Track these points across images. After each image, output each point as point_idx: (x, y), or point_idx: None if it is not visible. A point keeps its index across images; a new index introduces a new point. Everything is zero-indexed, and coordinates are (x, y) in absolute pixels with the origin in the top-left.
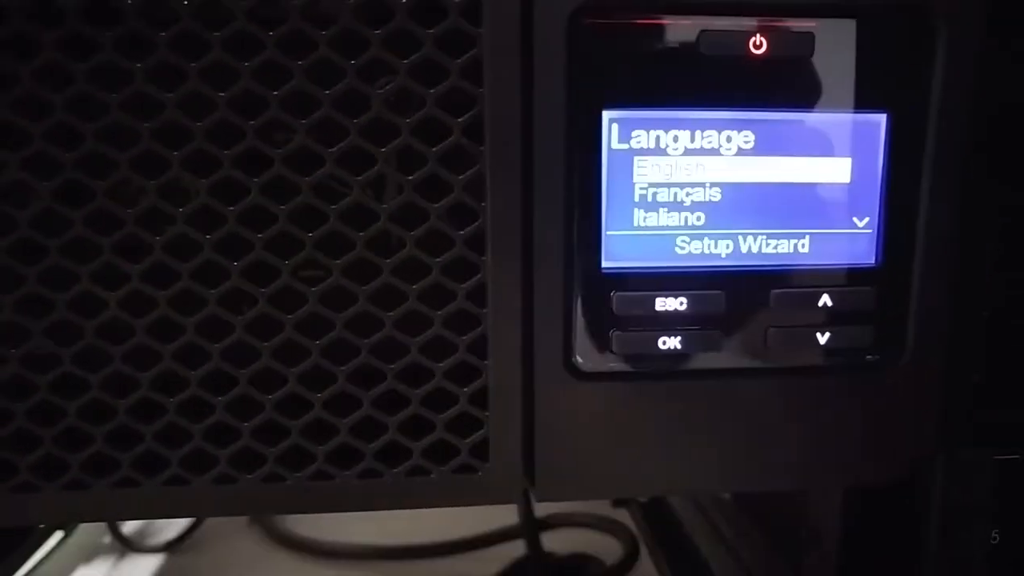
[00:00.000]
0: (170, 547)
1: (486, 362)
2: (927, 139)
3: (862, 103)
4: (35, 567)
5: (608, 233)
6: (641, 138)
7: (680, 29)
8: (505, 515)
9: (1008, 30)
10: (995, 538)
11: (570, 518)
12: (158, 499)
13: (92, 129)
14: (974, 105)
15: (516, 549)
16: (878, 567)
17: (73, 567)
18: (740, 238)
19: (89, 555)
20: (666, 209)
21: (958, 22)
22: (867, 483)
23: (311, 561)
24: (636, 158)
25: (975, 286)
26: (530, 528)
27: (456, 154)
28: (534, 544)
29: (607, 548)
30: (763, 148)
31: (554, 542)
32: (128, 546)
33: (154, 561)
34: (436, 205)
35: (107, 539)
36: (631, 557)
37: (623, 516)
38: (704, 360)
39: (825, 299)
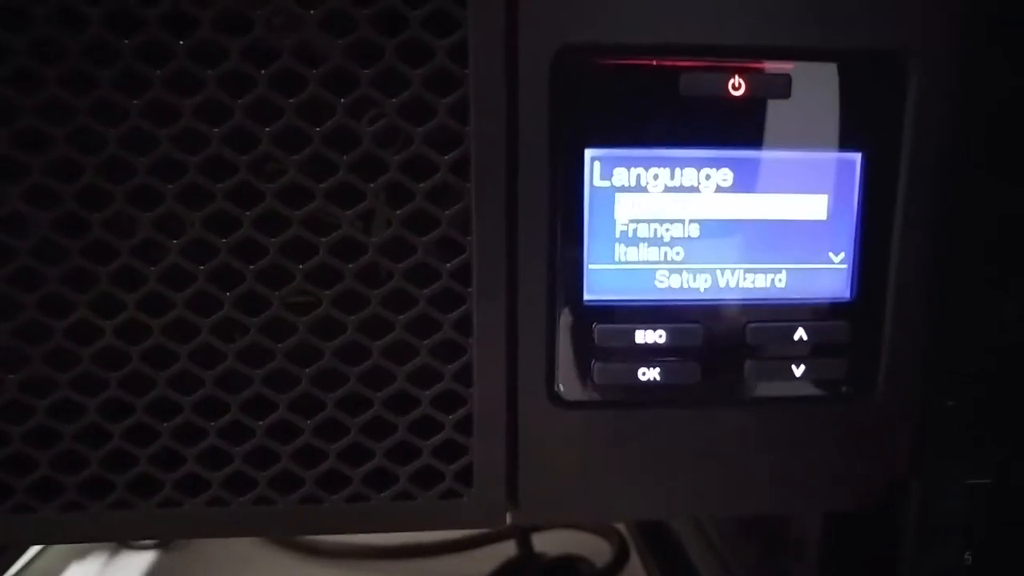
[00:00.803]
0: (162, 544)
1: (471, 390)
2: (900, 177)
3: (838, 142)
4: (28, 564)
5: (590, 267)
6: (622, 175)
7: (660, 71)
8: None
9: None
10: (968, 560)
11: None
12: (152, 521)
13: (91, 163)
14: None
15: (507, 550)
16: None
17: (66, 564)
18: (718, 273)
19: (82, 552)
20: (646, 244)
21: (930, 65)
22: (841, 509)
23: (303, 559)
24: (617, 195)
25: (949, 314)
26: (521, 529)
27: (443, 189)
28: (525, 545)
29: (597, 550)
30: (741, 186)
31: (545, 543)
32: (121, 543)
33: (147, 558)
34: (423, 239)
35: None
36: (621, 559)
37: None
38: (682, 390)
39: (801, 332)
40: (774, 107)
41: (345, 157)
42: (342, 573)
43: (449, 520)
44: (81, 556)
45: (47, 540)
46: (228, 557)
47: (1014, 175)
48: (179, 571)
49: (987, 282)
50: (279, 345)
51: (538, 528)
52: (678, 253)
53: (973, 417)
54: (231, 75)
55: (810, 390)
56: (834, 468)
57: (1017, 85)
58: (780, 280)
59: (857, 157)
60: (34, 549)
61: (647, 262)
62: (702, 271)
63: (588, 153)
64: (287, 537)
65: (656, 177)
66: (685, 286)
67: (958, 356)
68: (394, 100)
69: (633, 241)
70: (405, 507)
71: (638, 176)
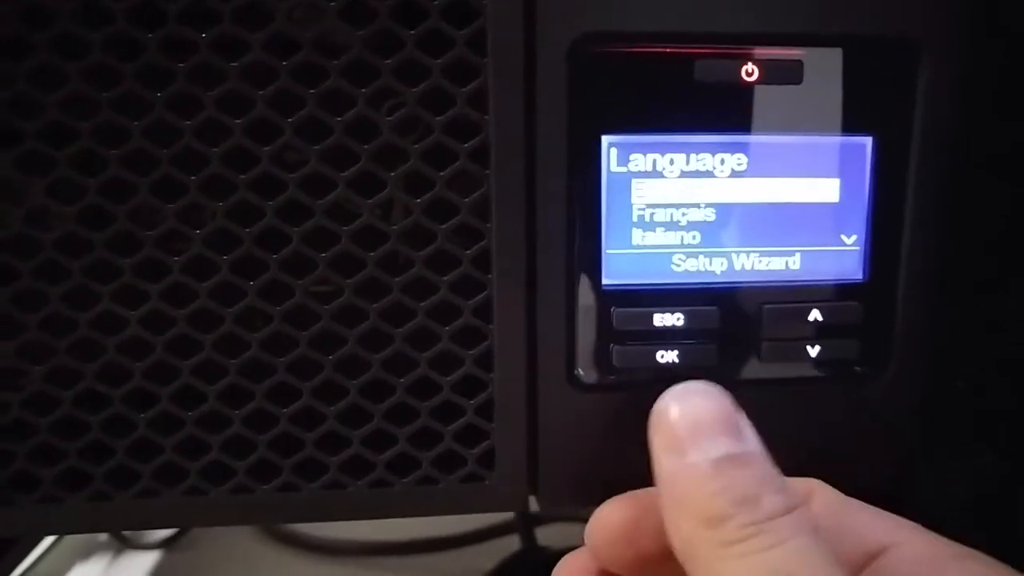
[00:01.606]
0: (167, 544)
1: (492, 375)
2: (911, 160)
3: (849, 126)
4: (32, 565)
5: (608, 252)
6: (639, 161)
7: (675, 58)
8: None
9: None
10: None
11: (564, 513)
12: (178, 509)
13: (115, 156)
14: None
15: (511, 544)
16: None
17: (70, 564)
18: (734, 256)
19: (86, 552)
20: (663, 229)
21: (940, 49)
22: (854, 486)
23: (306, 557)
24: (634, 180)
25: (959, 294)
26: (525, 523)
27: (462, 177)
28: (529, 539)
29: None
30: (755, 170)
31: (548, 537)
32: (125, 543)
33: (151, 558)
34: (443, 226)
35: (104, 536)
36: None
37: None
38: (700, 372)
39: (815, 313)
40: (786, 92)
41: (366, 147)
42: (347, 570)
43: (472, 504)
44: (85, 556)
45: (74, 530)
46: (232, 555)
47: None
48: (183, 570)
49: (997, 264)
50: (303, 333)
51: (541, 521)
52: (694, 237)
53: (982, 397)
54: (253, 67)
55: (824, 370)
56: (845, 447)
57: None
58: (794, 262)
59: (868, 140)
60: (39, 549)
61: (664, 246)
62: (718, 254)
63: (605, 139)
64: (313, 521)
65: (672, 162)
66: (702, 269)
67: (968, 337)
68: (414, 90)
69: (650, 226)
70: (428, 492)
71: (654, 161)
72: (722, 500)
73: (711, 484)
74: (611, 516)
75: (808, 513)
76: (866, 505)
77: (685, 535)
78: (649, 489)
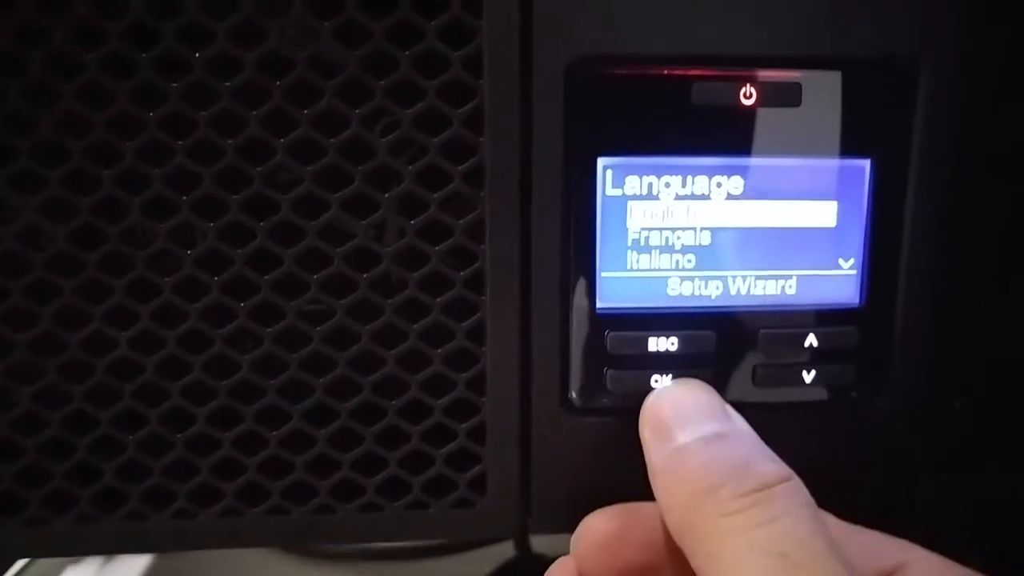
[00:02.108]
0: None
1: (484, 399)
2: (909, 183)
3: (847, 149)
4: (23, 568)
5: (602, 275)
6: (634, 184)
7: (673, 80)
8: None
9: None
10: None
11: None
12: (165, 532)
13: (107, 175)
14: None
15: (506, 551)
16: None
17: (61, 569)
18: (730, 280)
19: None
20: (658, 252)
21: (939, 73)
22: (851, 510)
23: (301, 562)
24: (630, 203)
25: (957, 317)
26: (520, 530)
27: (456, 199)
28: (524, 546)
29: None
30: (752, 193)
31: (543, 544)
32: None
33: (144, 561)
34: (437, 248)
35: None
36: None
37: None
38: None
39: (811, 339)
40: (784, 115)
41: (360, 168)
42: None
43: (462, 529)
44: (76, 560)
45: (62, 554)
46: (226, 559)
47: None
48: (175, 574)
49: (994, 286)
50: (294, 355)
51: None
52: (690, 260)
53: (980, 419)
54: (246, 86)
55: (820, 395)
56: (842, 472)
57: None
58: (791, 287)
59: (866, 164)
60: None
61: (659, 270)
62: (714, 278)
63: (600, 162)
64: (302, 544)
65: (668, 185)
66: (697, 293)
67: (965, 359)
68: (409, 111)
69: (645, 249)
70: (419, 516)
71: (650, 184)
72: (712, 471)
73: (701, 457)
74: (597, 526)
75: (802, 485)
76: (872, 531)
77: (680, 511)
78: (636, 503)
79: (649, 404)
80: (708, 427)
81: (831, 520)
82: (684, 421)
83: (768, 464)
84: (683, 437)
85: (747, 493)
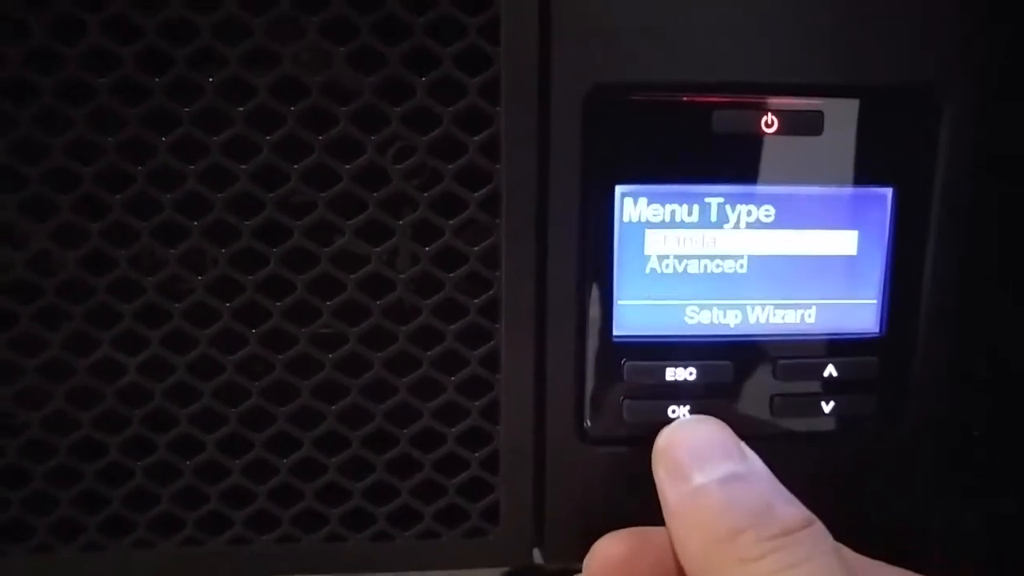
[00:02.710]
0: None
1: (498, 427)
2: (932, 211)
3: (869, 178)
4: None
5: (619, 303)
6: (652, 211)
7: (693, 108)
8: None
9: None
10: None
11: None
12: (173, 560)
13: (118, 200)
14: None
15: None
16: None
17: None
18: (748, 309)
19: None
20: (676, 280)
21: (959, 101)
22: (868, 539)
23: None
24: (647, 230)
25: (975, 345)
26: None
27: (471, 226)
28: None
29: None
30: (771, 221)
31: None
32: None
33: None
34: (451, 275)
35: None
36: None
37: None
38: None
39: (830, 369)
40: (806, 143)
41: (375, 194)
42: None
43: (475, 559)
44: None
45: None
46: None
47: None
48: None
49: (1013, 311)
50: (305, 382)
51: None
52: (707, 289)
53: (997, 446)
54: (259, 111)
55: (838, 425)
56: (860, 501)
57: None
58: (810, 316)
59: (888, 192)
60: None
61: (677, 298)
62: (732, 307)
63: (618, 189)
64: (312, 575)
65: (686, 213)
66: (715, 322)
67: (984, 386)
68: (424, 138)
69: (663, 277)
70: (430, 546)
71: (668, 212)
72: (733, 515)
73: (719, 501)
74: (609, 549)
75: (825, 530)
76: (894, 567)
77: (699, 555)
78: (648, 528)
79: (663, 441)
80: (725, 467)
81: (852, 556)
82: (700, 460)
83: (789, 507)
84: (699, 478)
85: (770, 538)
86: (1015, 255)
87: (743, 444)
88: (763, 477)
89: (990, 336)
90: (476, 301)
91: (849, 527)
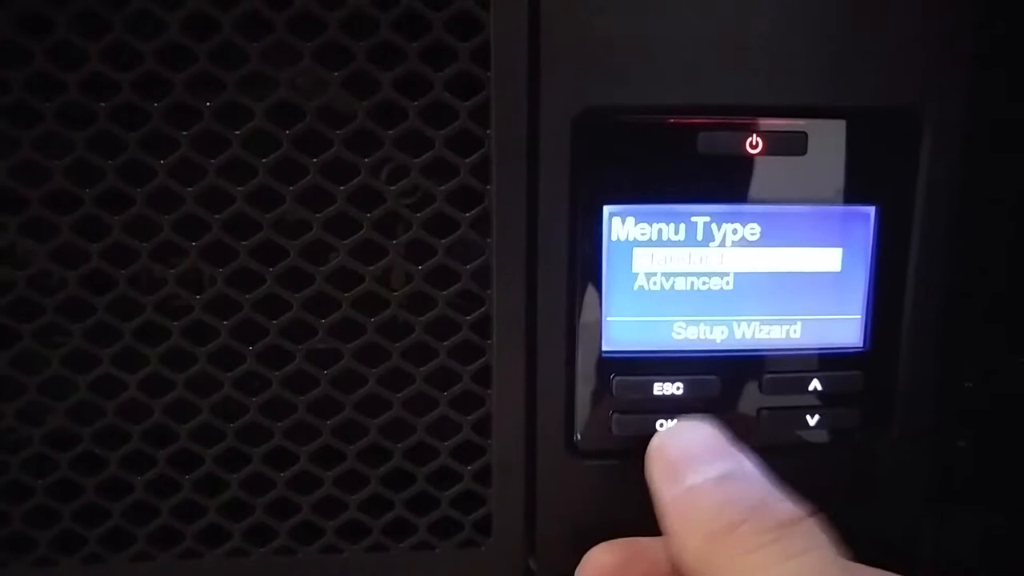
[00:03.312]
0: None
1: (490, 441)
2: (914, 228)
3: (852, 196)
4: None
5: (608, 319)
6: (640, 230)
7: (679, 130)
8: None
9: None
10: None
11: None
12: (172, 572)
13: (117, 221)
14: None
15: None
16: None
17: None
18: (734, 324)
19: None
20: (663, 297)
21: (941, 123)
22: (856, 550)
23: None
24: (635, 248)
25: (959, 357)
26: None
27: (463, 245)
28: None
29: None
30: (756, 239)
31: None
32: None
33: None
34: (444, 293)
35: None
36: None
37: None
38: None
39: (815, 383)
40: (790, 163)
41: (368, 215)
42: None
43: (468, 570)
44: None
45: None
46: None
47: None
48: None
49: (996, 324)
50: (301, 398)
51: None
52: (694, 306)
53: (983, 455)
54: (255, 134)
55: (824, 438)
56: (848, 512)
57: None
58: (795, 331)
59: (871, 210)
60: None
61: (664, 314)
62: (718, 323)
63: (607, 209)
64: None
65: (672, 231)
66: (702, 337)
67: (969, 398)
68: (417, 160)
69: (650, 294)
70: (424, 557)
71: (654, 230)
72: (729, 510)
73: (714, 498)
74: (601, 559)
75: (821, 524)
76: (883, 571)
77: (697, 550)
78: (639, 538)
79: (656, 445)
80: (718, 466)
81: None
82: (693, 461)
83: (784, 503)
84: (693, 477)
85: (768, 530)
86: (1000, 270)
87: (734, 445)
88: (755, 476)
89: (975, 349)
90: (468, 318)
91: (837, 538)
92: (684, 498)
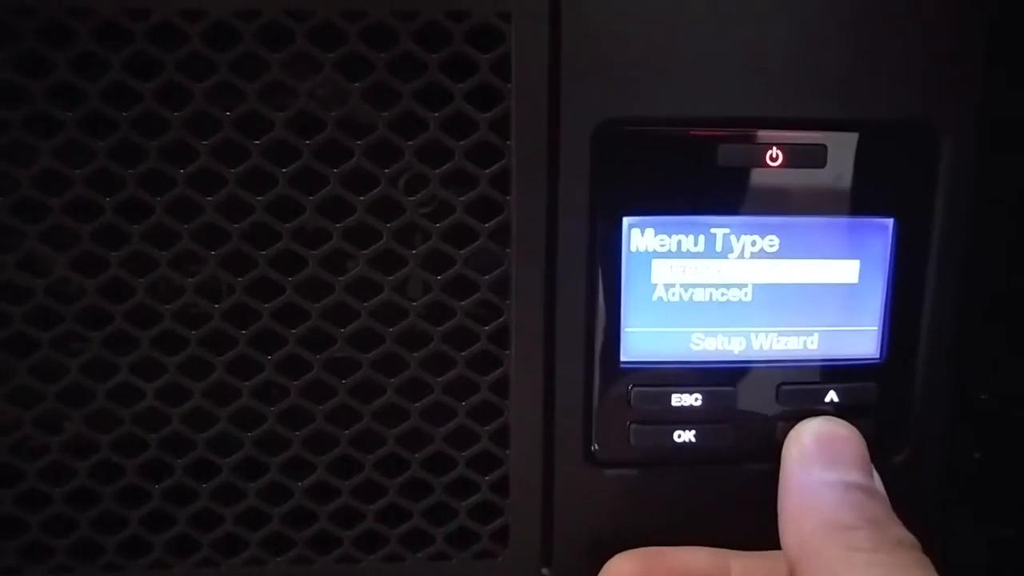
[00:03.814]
0: None
1: (507, 451)
2: (932, 241)
3: (870, 209)
4: None
5: (626, 330)
6: (659, 241)
7: (699, 143)
8: None
9: None
10: None
11: None
12: None
13: (137, 230)
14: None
15: None
16: None
17: None
18: (752, 335)
19: None
20: (682, 308)
21: (958, 135)
22: None
23: None
24: (654, 260)
25: (974, 368)
26: None
27: (482, 255)
28: None
29: None
30: (775, 251)
31: None
32: None
33: None
34: (462, 303)
35: None
36: None
37: None
38: (716, 451)
39: (831, 394)
40: (809, 175)
41: (389, 225)
42: None
43: None
44: None
45: None
46: None
47: None
48: None
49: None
50: (319, 407)
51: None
52: (713, 316)
53: (999, 469)
54: (276, 145)
55: None
56: None
57: None
58: (812, 342)
59: (889, 223)
60: None
61: (683, 325)
62: (736, 334)
63: (626, 220)
64: None
65: (691, 243)
66: (720, 348)
67: (983, 409)
68: (437, 171)
69: (669, 305)
70: (441, 567)
71: (673, 241)
72: (852, 513)
73: (842, 498)
74: (622, 568)
75: (929, 561)
76: None
77: (808, 534)
78: (659, 547)
79: (807, 429)
80: (854, 475)
81: None
82: (833, 459)
83: (902, 530)
84: (827, 474)
85: (884, 541)
86: (1001, 270)
87: (873, 468)
88: (883, 497)
89: (991, 362)
90: (486, 328)
91: None
92: (813, 487)
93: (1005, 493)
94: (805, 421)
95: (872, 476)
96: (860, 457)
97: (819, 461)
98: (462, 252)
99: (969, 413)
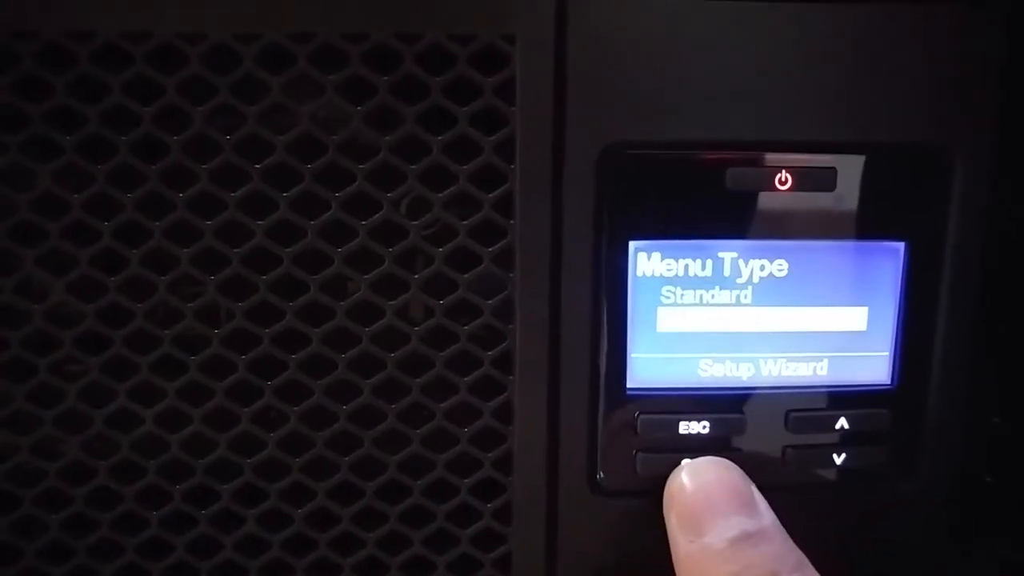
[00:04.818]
0: None
1: (510, 478)
2: (944, 265)
3: (881, 232)
4: None
5: (633, 356)
6: (666, 266)
7: (707, 166)
8: None
9: None
10: None
11: None
12: None
13: (135, 254)
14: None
15: None
16: None
17: None
18: (761, 361)
19: None
20: (689, 333)
21: (970, 158)
22: None
23: None
24: (661, 285)
25: (986, 391)
26: None
27: (485, 279)
28: None
29: None
30: (783, 275)
31: None
32: None
33: None
34: (465, 328)
35: None
36: None
37: None
38: None
39: (842, 421)
40: (819, 199)
41: (391, 249)
42: None
43: None
44: None
45: None
46: None
47: None
48: None
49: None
50: (319, 433)
51: None
52: (721, 342)
53: (1012, 492)
54: (277, 169)
55: (850, 477)
56: (873, 551)
57: None
58: (822, 368)
59: (900, 246)
60: None
61: (690, 351)
62: (745, 360)
63: (632, 244)
64: None
65: (700, 267)
66: (728, 375)
67: (996, 433)
68: (440, 195)
69: (676, 330)
70: None
71: (681, 266)
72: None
73: (728, 566)
74: None
75: None
76: None
77: None
78: None
79: (676, 488)
80: (736, 525)
81: None
82: (713, 514)
83: (798, 562)
84: (711, 535)
85: None
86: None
87: (756, 492)
88: (773, 537)
89: (1003, 386)
90: (490, 353)
91: (862, 573)
92: (698, 556)
93: (1018, 517)
94: (673, 475)
95: (756, 510)
96: (738, 493)
97: (699, 522)
98: (465, 276)
99: (982, 438)
